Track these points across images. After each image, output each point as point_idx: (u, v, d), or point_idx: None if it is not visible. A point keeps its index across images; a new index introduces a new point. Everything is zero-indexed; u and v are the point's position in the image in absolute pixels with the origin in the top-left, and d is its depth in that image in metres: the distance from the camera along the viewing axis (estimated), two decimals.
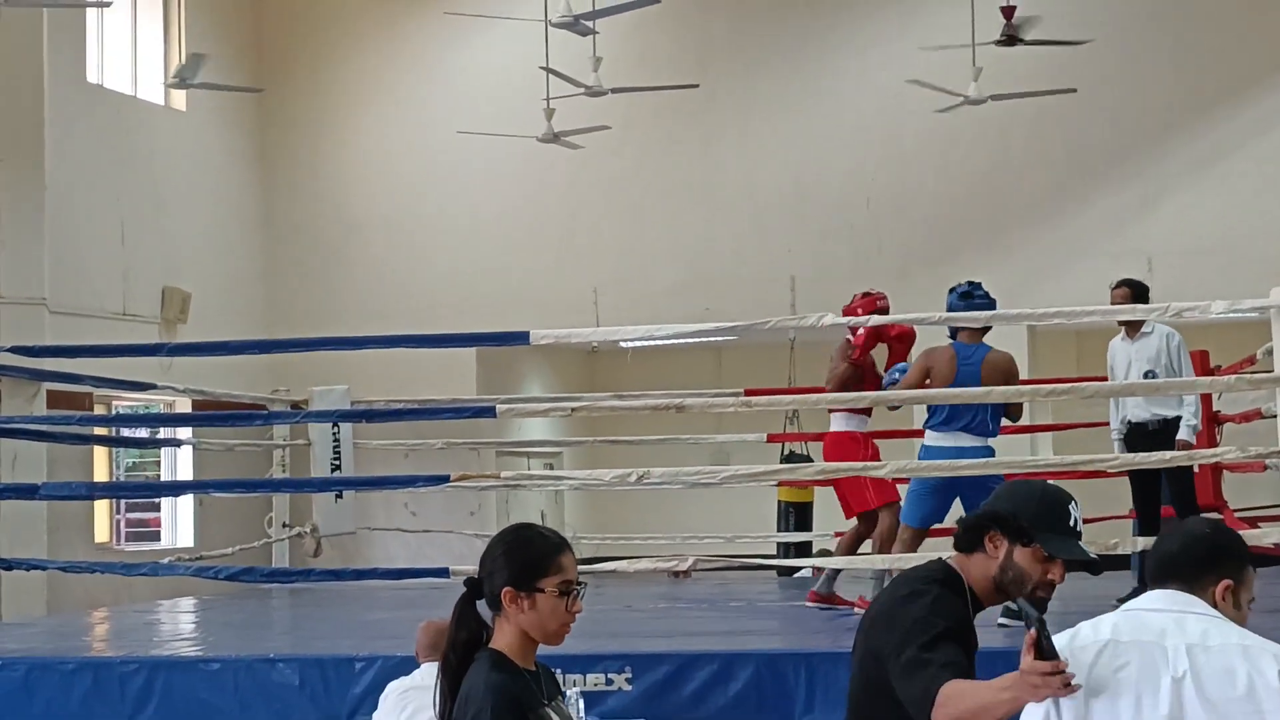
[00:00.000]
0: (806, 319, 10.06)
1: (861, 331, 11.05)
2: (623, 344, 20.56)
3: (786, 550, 16.52)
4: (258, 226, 22.51)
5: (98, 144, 19.60)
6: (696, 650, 8.48)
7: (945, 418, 10.09)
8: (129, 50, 20.68)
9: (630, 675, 8.21)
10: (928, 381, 10.24)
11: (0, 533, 16.53)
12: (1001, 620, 8.95)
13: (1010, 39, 17.85)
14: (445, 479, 10.72)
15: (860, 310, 11.12)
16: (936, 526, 10.20)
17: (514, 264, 21.51)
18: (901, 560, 9.15)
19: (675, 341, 19.40)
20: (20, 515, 16.77)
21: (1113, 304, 10.81)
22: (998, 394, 10.13)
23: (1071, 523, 4.27)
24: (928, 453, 10.21)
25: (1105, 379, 11.24)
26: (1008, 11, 17.85)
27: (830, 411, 11.31)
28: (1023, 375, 18.05)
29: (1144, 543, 9.99)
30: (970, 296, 10.40)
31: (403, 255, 21.97)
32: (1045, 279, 19.50)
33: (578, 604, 4.23)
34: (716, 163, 21.32)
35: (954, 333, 10.45)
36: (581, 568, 4.38)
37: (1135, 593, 4.20)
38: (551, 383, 23.31)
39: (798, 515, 17.15)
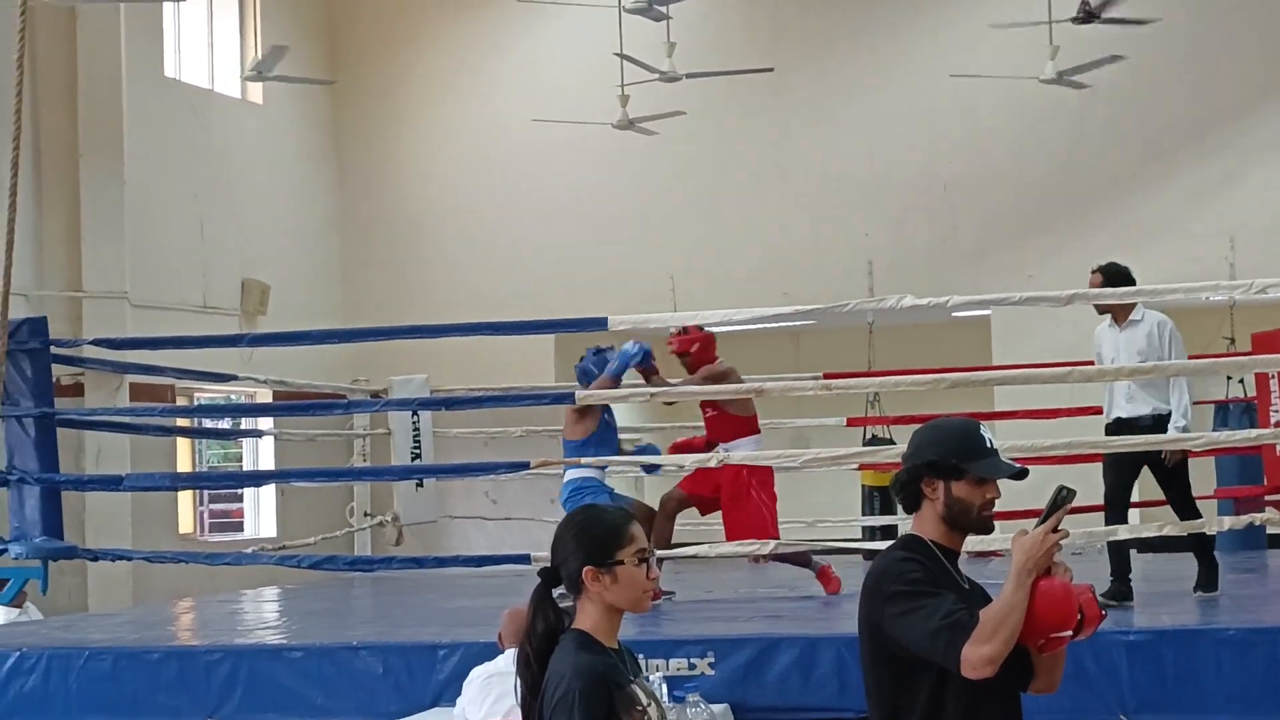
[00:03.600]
0: (885, 301, 9.97)
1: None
2: None
3: (871, 534, 16.44)
4: (335, 218, 22.61)
5: (175, 138, 19.74)
6: (779, 634, 8.45)
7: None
8: (205, 44, 20.81)
9: (713, 660, 8.19)
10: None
11: (86, 524, 16.73)
12: None
13: (1086, 16, 17.66)
14: (525, 466, 10.72)
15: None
16: None
17: (590, 252, 21.51)
18: None
19: (753, 326, 19.35)
20: (105, 507, 16.95)
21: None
22: (1079, 374, 10.09)
23: (988, 444, 4.58)
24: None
25: (1189, 357, 11.07)
26: None
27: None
28: None
29: (1229, 522, 9.89)
30: (600, 352, 11.37)
31: (479, 244, 22.01)
32: (1125, 258, 18.87)
33: (655, 570, 4.36)
34: (792, 147, 21.24)
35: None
36: (662, 553, 4.45)
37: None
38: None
39: (882, 498, 17.07)
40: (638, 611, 4.36)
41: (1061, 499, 4.41)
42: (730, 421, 11.28)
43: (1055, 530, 4.37)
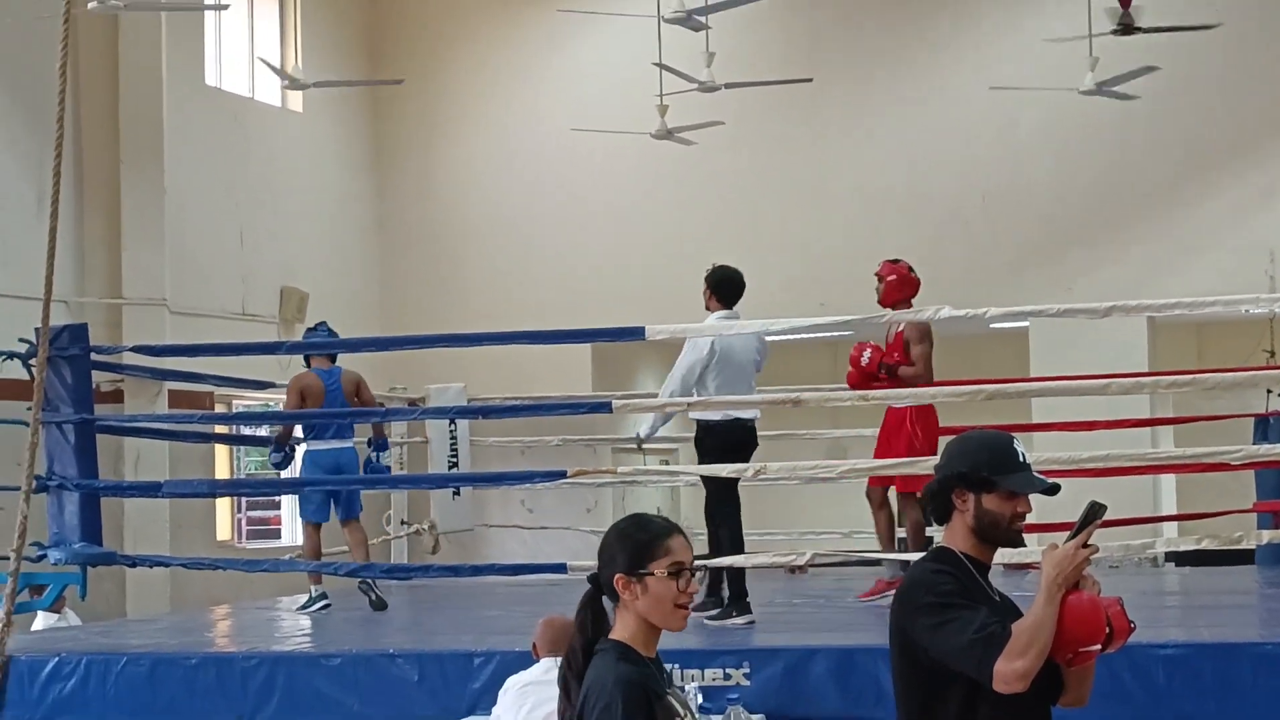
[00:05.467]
0: (923, 312, 9.96)
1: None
2: None
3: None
4: (373, 226, 22.67)
5: (216, 146, 19.82)
6: (814, 645, 8.44)
7: (318, 432, 12.25)
8: (246, 52, 20.89)
9: (748, 670, 8.18)
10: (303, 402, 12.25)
11: (125, 530, 16.78)
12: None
13: (1126, 28, 17.62)
14: (562, 475, 10.72)
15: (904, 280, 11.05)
16: None
17: (628, 261, 21.52)
18: None
19: (791, 336, 19.33)
20: (144, 513, 17.01)
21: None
22: (1117, 386, 10.06)
23: (1021, 459, 4.57)
24: (322, 456, 12.29)
25: (1227, 370, 11.05)
26: (1124, 0, 17.64)
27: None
28: (1143, 367, 17.96)
29: (1268, 536, 9.86)
30: (315, 331, 12.58)
31: (517, 253, 22.04)
32: (1165, 273, 19.26)
33: (692, 584, 4.28)
34: (830, 157, 21.22)
35: (308, 361, 12.48)
36: (697, 562, 4.42)
37: None
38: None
39: None
40: (669, 628, 4.30)
41: (1093, 513, 4.40)
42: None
43: (1086, 545, 4.36)
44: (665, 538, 4.29)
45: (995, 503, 4.54)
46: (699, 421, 10.32)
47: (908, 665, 4.57)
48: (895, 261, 11.30)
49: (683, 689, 4.51)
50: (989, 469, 4.54)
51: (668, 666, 4.63)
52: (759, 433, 10.52)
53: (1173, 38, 18.10)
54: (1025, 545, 4.66)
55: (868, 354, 11.01)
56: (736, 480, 10.17)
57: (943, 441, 10.84)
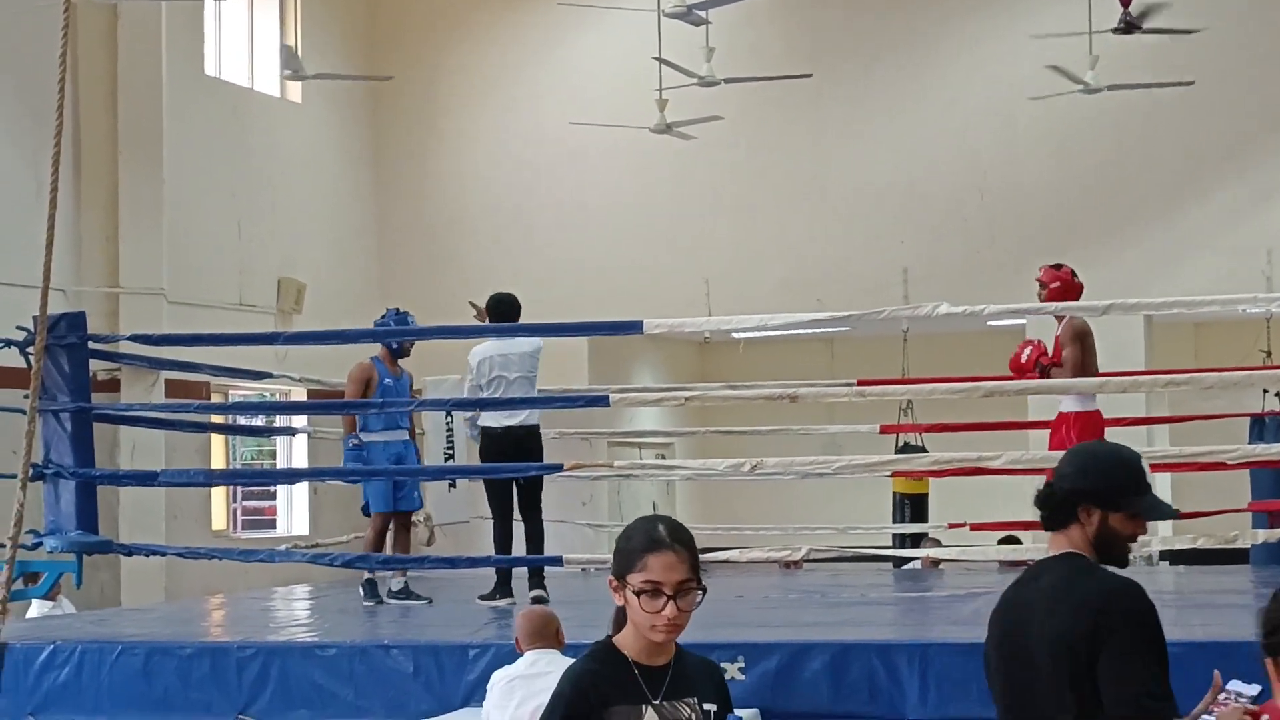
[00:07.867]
0: (921, 309, 9.95)
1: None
2: (735, 335, 20.53)
3: (901, 542, 16.44)
4: (371, 217, 22.67)
5: (215, 136, 19.81)
6: (810, 640, 8.45)
7: (383, 423, 12.16)
8: (245, 43, 20.88)
9: (743, 665, 8.18)
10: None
11: (120, 519, 16.79)
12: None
13: (1128, 27, 17.63)
14: (558, 468, 10.77)
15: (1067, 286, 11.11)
16: None
17: (626, 256, 21.51)
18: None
19: (788, 332, 19.36)
20: (139, 502, 17.02)
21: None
22: (1114, 384, 10.07)
23: (1149, 481, 4.55)
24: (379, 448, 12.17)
25: (1223, 370, 11.06)
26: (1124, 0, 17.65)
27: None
28: (1140, 366, 17.97)
29: (1263, 535, 9.86)
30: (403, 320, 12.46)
31: (514, 245, 22.03)
32: (1162, 272, 19.28)
33: (666, 607, 4.00)
34: (829, 153, 21.23)
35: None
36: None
37: None
38: (663, 374, 23.31)
39: (913, 506, 17.06)
40: (650, 638, 4.04)
41: None
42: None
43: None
44: (646, 553, 4.02)
45: (1121, 522, 4.51)
46: (483, 428, 11.45)
47: (1077, 672, 4.40)
48: (1057, 267, 11.30)
49: (700, 705, 4.23)
50: (1122, 490, 4.52)
51: None
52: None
53: (1171, 37, 18.12)
54: (1128, 565, 4.62)
55: (1027, 351, 11.03)
56: (508, 484, 11.30)
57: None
